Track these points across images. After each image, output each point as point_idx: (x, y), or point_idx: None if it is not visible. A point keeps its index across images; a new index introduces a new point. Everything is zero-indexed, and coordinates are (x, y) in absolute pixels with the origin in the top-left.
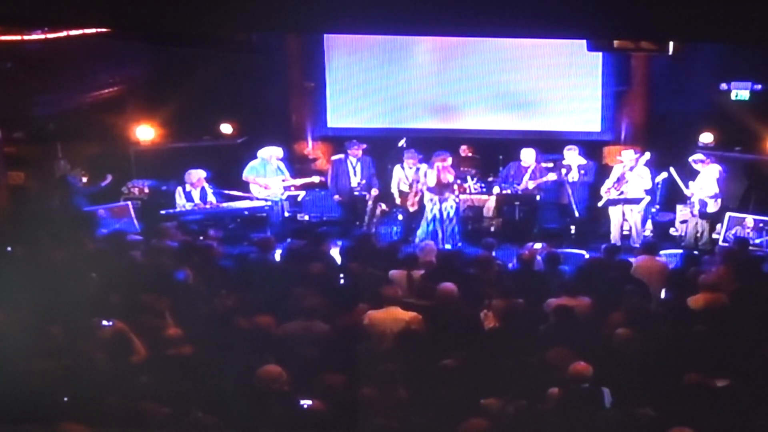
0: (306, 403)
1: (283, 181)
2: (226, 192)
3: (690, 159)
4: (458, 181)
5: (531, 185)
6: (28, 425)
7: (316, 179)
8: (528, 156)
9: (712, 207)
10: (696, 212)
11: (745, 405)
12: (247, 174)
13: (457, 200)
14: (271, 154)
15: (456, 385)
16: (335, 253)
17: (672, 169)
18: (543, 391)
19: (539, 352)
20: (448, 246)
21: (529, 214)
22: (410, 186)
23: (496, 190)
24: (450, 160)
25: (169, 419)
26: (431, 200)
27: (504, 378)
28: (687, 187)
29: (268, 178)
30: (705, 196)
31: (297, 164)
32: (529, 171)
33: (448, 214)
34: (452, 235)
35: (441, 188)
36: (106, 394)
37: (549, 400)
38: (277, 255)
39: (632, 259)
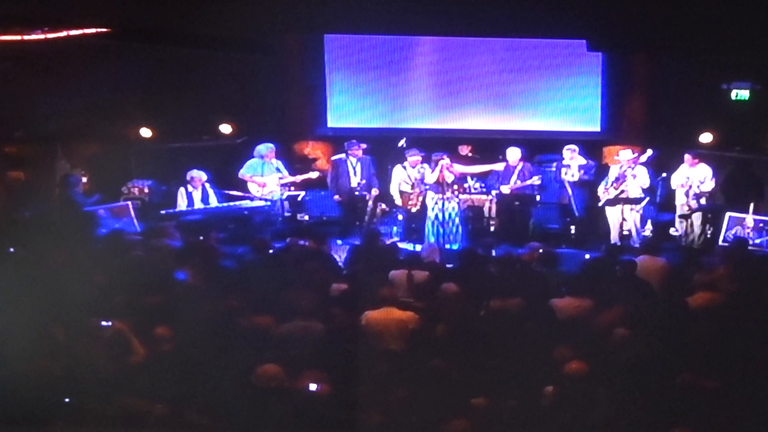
0: (312, 386)
1: (281, 179)
2: (227, 192)
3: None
4: (456, 182)
5: (519, 185)
6: (28, 425)
7: (313, 175)
8: (513, 155)
9: (708, 200)
10: (693, 203)
11: (744, 405)
12: (244, 172)
13: (458, 200)
14: (268, 152)
15: (455, 385)
16: (335, 253)
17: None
18: (539, 390)
19: (538, 351)
20: (454, 246)
21: (529, 215)
22: (413, 186)
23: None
24: (447, 159)
25: (168, 419)
26: (433, 199)
27: (501, 377)
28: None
29: (265, 176)
30: (700, 189)
31: (297, 164)
32: (516, 171)
33: (450, 214)
34: (455, 235)
35: (443, 187)
36: (105, 394)
37: (544, 399)
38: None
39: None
